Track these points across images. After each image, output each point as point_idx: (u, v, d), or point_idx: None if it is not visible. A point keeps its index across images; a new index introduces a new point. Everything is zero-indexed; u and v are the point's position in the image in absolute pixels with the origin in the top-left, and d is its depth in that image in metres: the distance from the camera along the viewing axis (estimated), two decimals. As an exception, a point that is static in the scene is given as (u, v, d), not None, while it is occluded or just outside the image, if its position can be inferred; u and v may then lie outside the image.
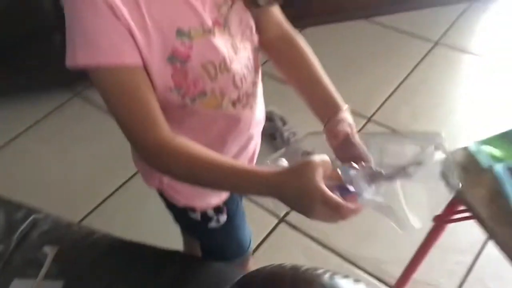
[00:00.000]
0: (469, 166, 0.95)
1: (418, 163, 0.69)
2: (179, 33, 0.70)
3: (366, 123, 1.87)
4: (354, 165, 0.71)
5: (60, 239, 1.07)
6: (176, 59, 0.72)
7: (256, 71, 0.84)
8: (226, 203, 0.97)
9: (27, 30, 1.92)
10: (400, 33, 2.20)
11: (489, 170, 0.93)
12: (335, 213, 0.65)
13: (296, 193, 0.65)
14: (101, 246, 1.07)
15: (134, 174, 1.85)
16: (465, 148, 0.98)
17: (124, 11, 0.66)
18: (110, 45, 0.66)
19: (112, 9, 0.65)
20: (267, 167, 0.71)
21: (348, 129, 0.76)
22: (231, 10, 0.76)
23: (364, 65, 2.08)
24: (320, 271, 0.77)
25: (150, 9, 0.68)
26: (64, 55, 0.69)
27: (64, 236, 1.09)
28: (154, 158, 0.73)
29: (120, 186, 1.82)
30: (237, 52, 0.79)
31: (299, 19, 2.06)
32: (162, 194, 0.96)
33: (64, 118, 2.10)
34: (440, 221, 1.04)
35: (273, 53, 0.87)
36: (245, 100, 0.83)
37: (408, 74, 2.03)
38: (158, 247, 1.08)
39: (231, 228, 1.02)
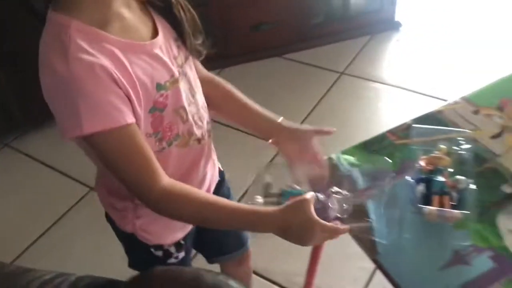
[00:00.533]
0: (332, 172, 1.10)
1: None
2: (159, 86, 0.81)
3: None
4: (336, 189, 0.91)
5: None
6: (156, 109, 0.82)
7: (207, 110, 0.96)
8: (185, 239, 1.05)
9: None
10: (309, 67, 2.40)
11: (348, 174, 1.08)
12: (329, 235, 0.83)
13: (299, 228, 0.80)
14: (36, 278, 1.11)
15: (62, 216, 1.93)
16: (329, 158, 1.13)
17: (121, 76, 0.74)
18: (115, 109, 0.73)
19: (111, 76, 0.72)
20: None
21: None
22: (186, 61, 0.89)
23: (279, 98, 2.24)
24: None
25: (135, 70, 0.77)
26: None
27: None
28: (162, 206, 0.82)
29: (49, 228, 1.89)
30: (194, 95, 0.91)
31: (218, 60, 2.26)
32: (118, 231, 1.02)
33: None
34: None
35: (215, 107, 1.00)
36: (207, 136, 0.95)
37: (317, 103, 2.22)
38: (99, 277, 1.09)
39: (185, 263, 1.10)
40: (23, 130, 2.27)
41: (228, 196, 1.13)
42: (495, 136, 1.13)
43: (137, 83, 0.77)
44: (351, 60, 2.42)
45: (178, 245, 1.05)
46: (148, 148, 0.79)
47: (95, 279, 1.12)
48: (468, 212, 0.93)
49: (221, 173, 1.12)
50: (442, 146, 1.05)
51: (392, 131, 1.18)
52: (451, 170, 1.00)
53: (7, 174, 2.13)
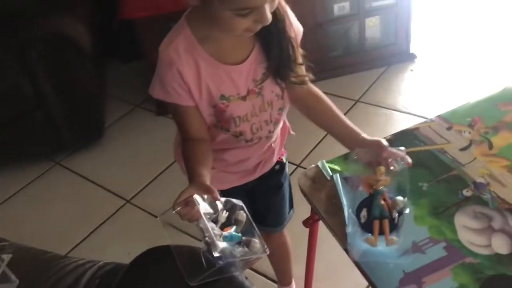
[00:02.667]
0: (315, 178, 1.28)
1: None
2: (222, 97, 1.10)
3: (295, 168, 2.23)
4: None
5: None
6: (216, 108, 1.12)
7: (275, 124, 1.22)
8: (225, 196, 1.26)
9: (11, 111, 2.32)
10: (327, 95, 2.56)
11: (330, 180, 1.26)
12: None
13: None
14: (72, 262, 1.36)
15: (101, 224, 2.18)
16: (316, 166, 1.32)
17: (188, 77, 1.04)
18: (174, 92, 1.06)
19: (180, 73, 1.04)
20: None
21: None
22: (265, 84, 1.13)
23: (299, 121, 2.42)
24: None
25: (206, 79, 1.07)
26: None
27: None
28: (182, 144, 1.14)
29: (89, 234, 2.14)
30: (261, 111, 1.16)
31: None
32: None
33: (46, 184, 2.47)
34: (307, 224, 1.36)
35: (304, 107, 1.25)
36: (257, 141, 1.22)
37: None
38: (122, 263, 1.32)
39: None
40: (72, 150, 2.59)
41: (279, 186, 1.44)
42: (463, 149, 1.29)
43: (203, 86, 1.07)
44: (367, 89, 2.60)
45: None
46: (193, 121, 1.12)
47: (118, 264, 1.34)
48: (400, 238, 1.01)
49: (281, 164, 1.39)
50: (380, 166, 1.10)
51: (372, 144, 1.35)
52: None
53: (56, 187, 2.42)
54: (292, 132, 1.44)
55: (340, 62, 2.68)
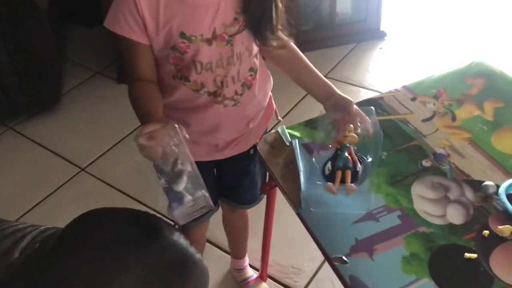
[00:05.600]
0: (274, 143, 1.23)
1: None
2: (182, 34, 1.00)
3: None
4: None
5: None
6: (176, 50, 1.02)
7: (244, 86, 1.12)
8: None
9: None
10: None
11: (289, 146, 1.21)
12: None
13: None
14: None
15: (54, 191, 2.09)
16: (276, 131, 1.26)
17: (144, 6, 0.96)
18: (126, 23, 0.98)
19: (135, 4, 0.96)
20: None
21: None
22: (238, 34, 1.03)
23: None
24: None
25: (165, 11, 0.97)
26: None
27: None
28: (129, 84, 1.05)
29: (41, 201, 2.05)
30: (229, 64, 1.06)
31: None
32: None
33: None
34: (264, 191, 1.31)
35: (276, 60, 1.17)
36: (221, 98, 1.10)
37: (299, 101, 2.35)
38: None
39: None
40: (26, 115, 2.46)
41: (249, 170, 1.33)
42: (426, 120, 1.26)
43: (161, 20, 0.98)
44: (335, 65, 2.56)
45: None
46: (143, 60, 1.04)
47: (61, 229, 1.26)
48: (364, 184, 1.02)
49: (255, 148, 1.25)
50: (350, 125, 1.10)
51: (333, 112, 1.31)
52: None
53: (8, 154, 2.30)
54: (279, 118, 1.35)
55: (310, 37, 2.63)
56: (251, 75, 1.14)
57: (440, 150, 1.16)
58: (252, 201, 1.43)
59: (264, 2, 1.03)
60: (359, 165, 1.05)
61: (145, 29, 1.00)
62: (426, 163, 1.14)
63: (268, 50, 1.12)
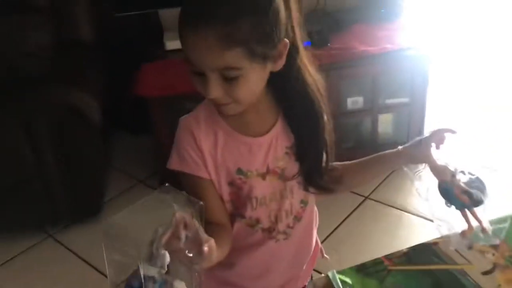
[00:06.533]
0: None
1: None
2: (239, 171, 1.02)
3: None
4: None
5: None
6: (234, 186, 1.03)
7: (295, 219, 1.10)
8: None
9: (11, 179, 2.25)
10: (336, 189, 2.51)
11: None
12: None
13: None
14: None
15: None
16: (326, 276, 1.21)
17: (204, 145, 0.98)
18: (189, 158, 0.99)
19: (195, 139, 0.98)
20: None
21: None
22: (289, 166, 1.04)
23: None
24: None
25: (223, 149, 1.00)
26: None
27: None
28: None
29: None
30: (283, 197, 1.06)
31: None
32: None
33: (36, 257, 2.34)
34: None
35: (341, 181, 1.16)
36: (275, 234, 1.08)
37: (339, 225, 2.31)
38: None
39: None
40: (67, 223, 2.48)
41: None
42: (486, 272, 1.19)
43: (219, 157, 1.00)
44: (377, 186, 2.52)
45: None
46: (209, 199, 1.00)
47: None
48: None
49: None
50: None
51: (387, 257, 1.26)
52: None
53: (46, 263, 2.29)
54: (325, 256, 1.31)
55: (351, 154, 2.59)
56: (301, 207, 1.12)
57: (505, 311, 1.08)
58: None
59: (317, 145, 1.05)
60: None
61: (205, 165, 1.00)
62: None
63: (322, 193, 1.11)
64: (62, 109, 2.18)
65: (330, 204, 2.42)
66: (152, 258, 0.72)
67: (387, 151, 1.15)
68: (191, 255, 0.76)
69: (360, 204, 2.43)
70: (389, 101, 2.59)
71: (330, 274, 1.21)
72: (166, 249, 0.73)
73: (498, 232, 1.28)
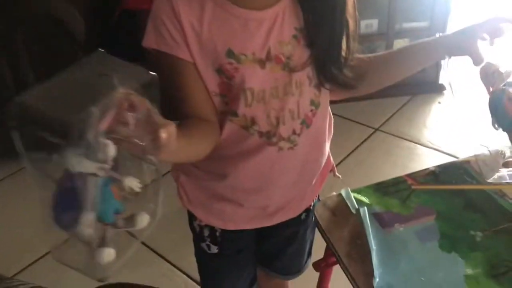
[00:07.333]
0: (337, 210, 1.00)
1: None
2: (229, 53, 0.79)
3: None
4: None
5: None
6: (222, 73, 0.81)
7: (303, 123, 0.87)
8: (226, 239, 1.01)
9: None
10: (345, 120, 2.34)
11: (356, 214, 0.98)
12: None
13: None
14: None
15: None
16: (339, 194, 1.03)
17: (185, 18, 0.77)
18: (167, 34, 0.78)
19: (174, 10, 0.77)
20: None
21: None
22: (297, 53, 0.82)
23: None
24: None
25: (210, 25, 0.78)
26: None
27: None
28: None
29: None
30: (287, 94, 0.83)
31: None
32: None
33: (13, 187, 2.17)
34: (319, 267, 1.07)
35: (366, 76, 0.89)
36: (276, 139, 0.86)
37: (347, 156, 2.14)
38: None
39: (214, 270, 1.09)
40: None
41: (299, 236, 1.10)
42: (528, 193, 1.01)
43: (204, 33, 0.78)
44: (388, 117, 2.35)
45: (212, 235, 1.01)
46: (191, 88, 0.81)
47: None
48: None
49: (308, 212, 1.05)
50: None
51: (411, 175, 1.08)
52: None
53: (24, 191, 2.13)
54: (337, 175, 1.09)
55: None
56: (311, 110, 0.89)
57: (552, 235, 0.91)
58: (296, 271, 1.18)
59: (331, 27, 0.82)
60: None
61: (186, 44, 0.79)
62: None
63: (339, 89, 0.89)
64: (42, 18, 1.94)
65: (337, 135, 2.24)
66: (89, 151, 0.52)
67: (422, 40, 0.92)
68: (144, 143, 0.56)
69: (369, 136, 2.26)
70: (407, 25, 2.37)
71: (343, 192, 1.04)
72: (108, 138, 0.53)
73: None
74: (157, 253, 1.77)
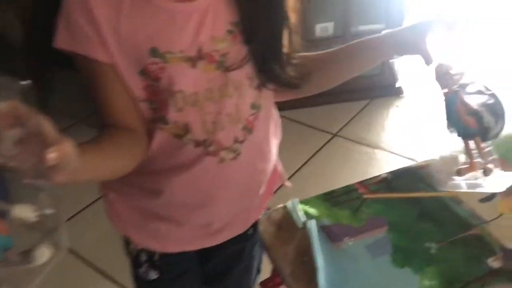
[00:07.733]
0: (283, 223, 0.92)
1: None
2: (154, 52, 0.69)
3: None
4: None
5: None
6: (147, 76, 0.71)
7: (245, 129, 0.79)
8: (166, 262, 0.90)
9: None
10: (302, 126, 2.26)
11: (303, 228, 0.90)
12: None
13: None
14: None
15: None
16: (285, 207, 0.95)
17: (100, 12, 0.67)
18: (81, 32, 0.67)
19: (87, 4, 0.66)
20: None
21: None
22: (234, 50, 0.73)
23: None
24: None
25: (129, 19, 0.68)
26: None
27: None
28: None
29: None
30: (223, 96, 0.74)
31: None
32: None
33: None
34: (266, 287, 0.98)
35: (310, 77, 0.82)
36: (213, 148, 0.76)
37: (305, 163, 2.06)
38: None
39: None
40: None
41: (246, 253, 0.98)
42: (484, 200, 0.95)
43: (122, 28, 0.68)
44: (346, 122, 2.29)
45: (151, 258, 0.90)
46: (111, 92, 0.71)
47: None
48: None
49: (255, 226, 0.94)
50: None
51: (363, 183, 1.01)
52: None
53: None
54: (287, 183, 0.97)
55: (318, 91, 2.37)
56: (252, 114, 0.80)
57: (511, 245, 0.85)
58: None
59: (270, 20, 0.74)
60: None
61: (103, 42, 0.69)
62: (493, 262, 0.83)
63: (282, 89, 0.81)
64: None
65: (294, 142, 2.18)
66: None
67: (369, 37, 0.84)
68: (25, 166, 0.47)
69: (328, 142, 2.19)
70: (363, 28, 2.31)
71: (289, 204, 0.96)
72: None
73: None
74: (104, 274, 1.65)
